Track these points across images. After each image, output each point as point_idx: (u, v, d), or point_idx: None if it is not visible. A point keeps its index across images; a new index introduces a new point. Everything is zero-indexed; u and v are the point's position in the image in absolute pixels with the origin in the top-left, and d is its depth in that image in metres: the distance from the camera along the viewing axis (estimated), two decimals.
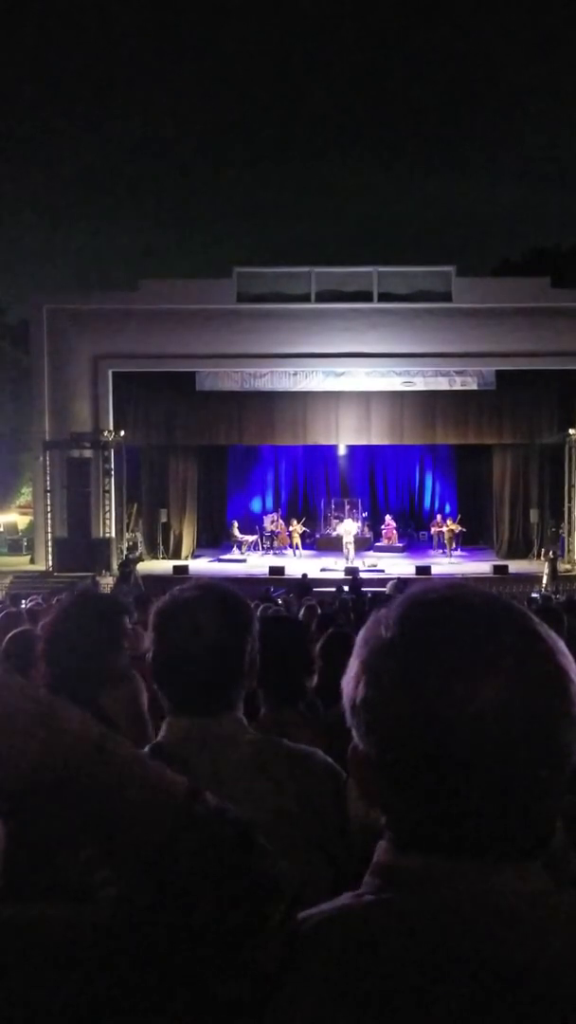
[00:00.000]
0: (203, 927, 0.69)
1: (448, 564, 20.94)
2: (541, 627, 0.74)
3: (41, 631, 2.38)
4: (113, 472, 21.58)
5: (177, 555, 23.48)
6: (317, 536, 23.95)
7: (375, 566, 20.01)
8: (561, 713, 0.70)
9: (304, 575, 17.27)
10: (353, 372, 21.92)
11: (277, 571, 18.87)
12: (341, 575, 18.23)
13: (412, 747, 0.70)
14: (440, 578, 0.86)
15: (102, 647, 2.25)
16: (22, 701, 0.67)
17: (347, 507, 24.33)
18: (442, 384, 22.10)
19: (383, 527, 23.73)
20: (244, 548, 22.96)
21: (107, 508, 21.54)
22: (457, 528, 22.10)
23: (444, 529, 22.41)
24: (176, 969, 0.70)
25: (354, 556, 20.60)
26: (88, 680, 2.14)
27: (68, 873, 1.07)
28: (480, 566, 20.58)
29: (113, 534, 21.58)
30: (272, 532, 23.96)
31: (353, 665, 0.76)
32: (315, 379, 22.16)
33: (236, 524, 23.52)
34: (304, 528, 23.06)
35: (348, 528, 21.55)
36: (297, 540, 22.79)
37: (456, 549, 22.49)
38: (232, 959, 0.70)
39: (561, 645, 0.73)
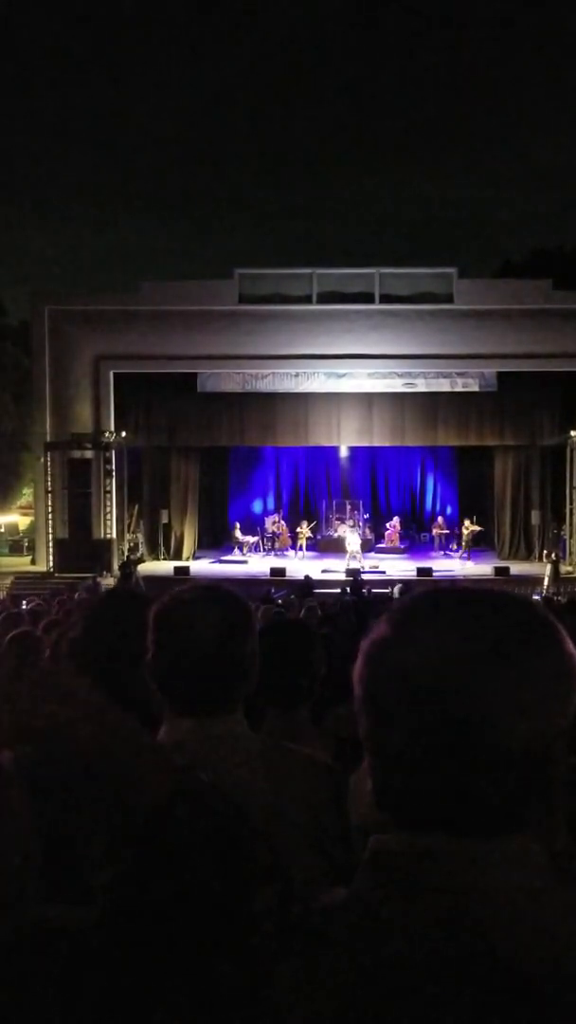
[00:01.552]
0: (195, 899, 0.70)
1: (450, 566, 20.91)
2: (540, 612, 0.75)
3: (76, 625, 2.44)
4: (114, 473, 21.59)
5: (178, 556, 23.50)
6: (319, 538, 23.94)
7: (376, 567, 20.00)
8: (523, 687, 0.70)
9: (307, 576, 17.28)
10: (355, 373, 21.93)
11: (278, 572, 18.87)
12: (343, 576, 18.23)
13: (390, 707, 0.73)
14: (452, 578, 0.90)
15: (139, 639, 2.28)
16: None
17: (348, 508, 24.32)
18: (444, 386, 22.10)
19: (387, 529, 23.72)
20: (245, 549, 22.97)
21: (108, 509, 21.56)
22: (476, 528, 21.98)
23: (464, 531, 22.21)
24: (173, 957, 0.70)
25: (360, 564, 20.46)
26: (123, 668, 2.18)
27: (71, 872, 1.08)
28: (482, 568, 20.56)
29: (114, 535, 21.60)
30: (273, 533, 23.96)
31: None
32: (316, 380, 22.17)
33: (238, 525, 23.53)
34: (310, 529, 23.11)
35: (351, 540, 21.13)
36: (303, 541, 22.81)
37: (458, 550, 22.46)
38: (226, 944, 0.70)
39: (557, 628, 0.74)
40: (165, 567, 21.13)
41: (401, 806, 0.74)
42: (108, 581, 18.92)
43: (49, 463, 21.45)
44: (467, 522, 22.33)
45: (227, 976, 0.69)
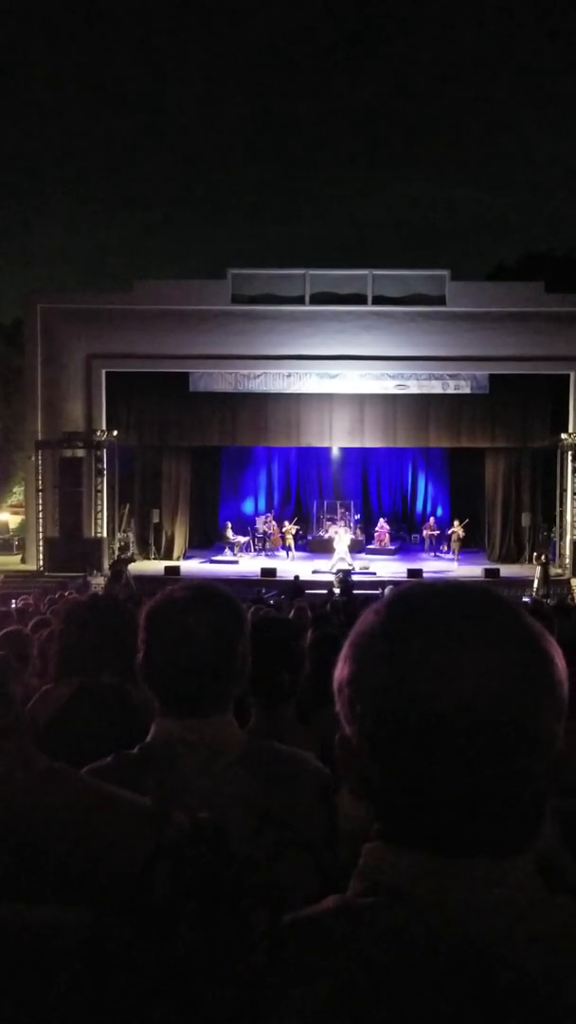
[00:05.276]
0: (187, 944, 0.69)
1: (440, 567, 20.92)
2: (529, 618, 0.74)
3: (59, 627, 2.46)
4: (105, 472, 21.54)
5: (169, 556, 23.42)
6: (309, 538, 23.92)
7: (367, 568, 19.99)
8: (543, 699, 0.69)
9: (296, 577, 17.27)
10: (346, 374, 21.94)
11: (269, 573, 18.84)
12: (332, 577, 18.22)
13: (390, 722, 0.69)
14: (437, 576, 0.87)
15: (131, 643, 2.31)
16: None
17: (339, 509, 24.32)
18: (435, 387, 22.13)
19: (376, 530, 23.72)
20: (236, 549, 22.92)
21: (99, 508, 21.51)
22: (462, 531, 21.98)
23: (451, 532, 22.19)
24: (163, 976, 0.70)
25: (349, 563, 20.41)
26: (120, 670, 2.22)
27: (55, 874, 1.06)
28: (472, 569, 20.56)
29: (105, 534, 21.54)
30: (265, 533, 23.93)
31: (344, 648, 0.77)
32: (309, 381, 22.16)
33: (230, 525, 23.48)
34: (296, 529, 23.05)
35: (341, 541, 20.97)
36: (290, 541, 22.78)
37: (448, 552, 22.47)
38: (219, 967, 0.69)
39: (548, 636, 0.73)
40: (155, 567, 21.07)
41: (410, 828, 0.71)
42: (98, 580, 18.87)
43: (40, 461, 21.39)
44: (455, 523, 22.38)
45: (220, 991, 0.69)
